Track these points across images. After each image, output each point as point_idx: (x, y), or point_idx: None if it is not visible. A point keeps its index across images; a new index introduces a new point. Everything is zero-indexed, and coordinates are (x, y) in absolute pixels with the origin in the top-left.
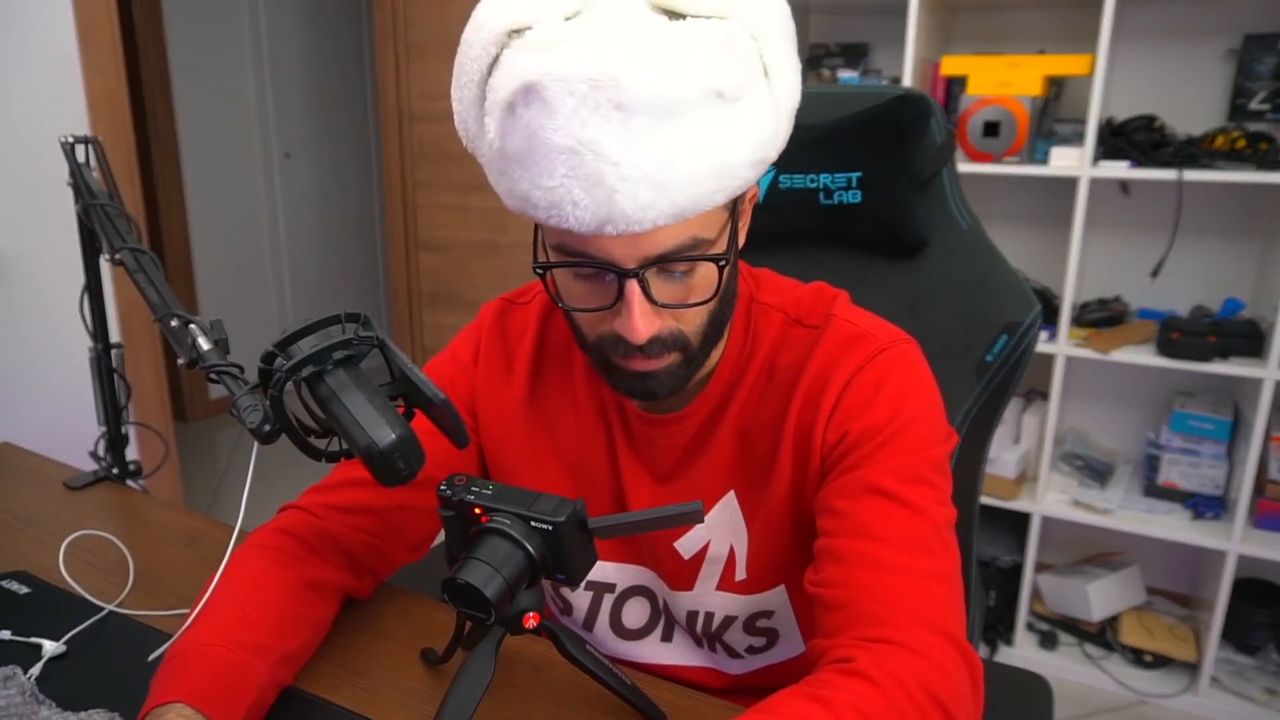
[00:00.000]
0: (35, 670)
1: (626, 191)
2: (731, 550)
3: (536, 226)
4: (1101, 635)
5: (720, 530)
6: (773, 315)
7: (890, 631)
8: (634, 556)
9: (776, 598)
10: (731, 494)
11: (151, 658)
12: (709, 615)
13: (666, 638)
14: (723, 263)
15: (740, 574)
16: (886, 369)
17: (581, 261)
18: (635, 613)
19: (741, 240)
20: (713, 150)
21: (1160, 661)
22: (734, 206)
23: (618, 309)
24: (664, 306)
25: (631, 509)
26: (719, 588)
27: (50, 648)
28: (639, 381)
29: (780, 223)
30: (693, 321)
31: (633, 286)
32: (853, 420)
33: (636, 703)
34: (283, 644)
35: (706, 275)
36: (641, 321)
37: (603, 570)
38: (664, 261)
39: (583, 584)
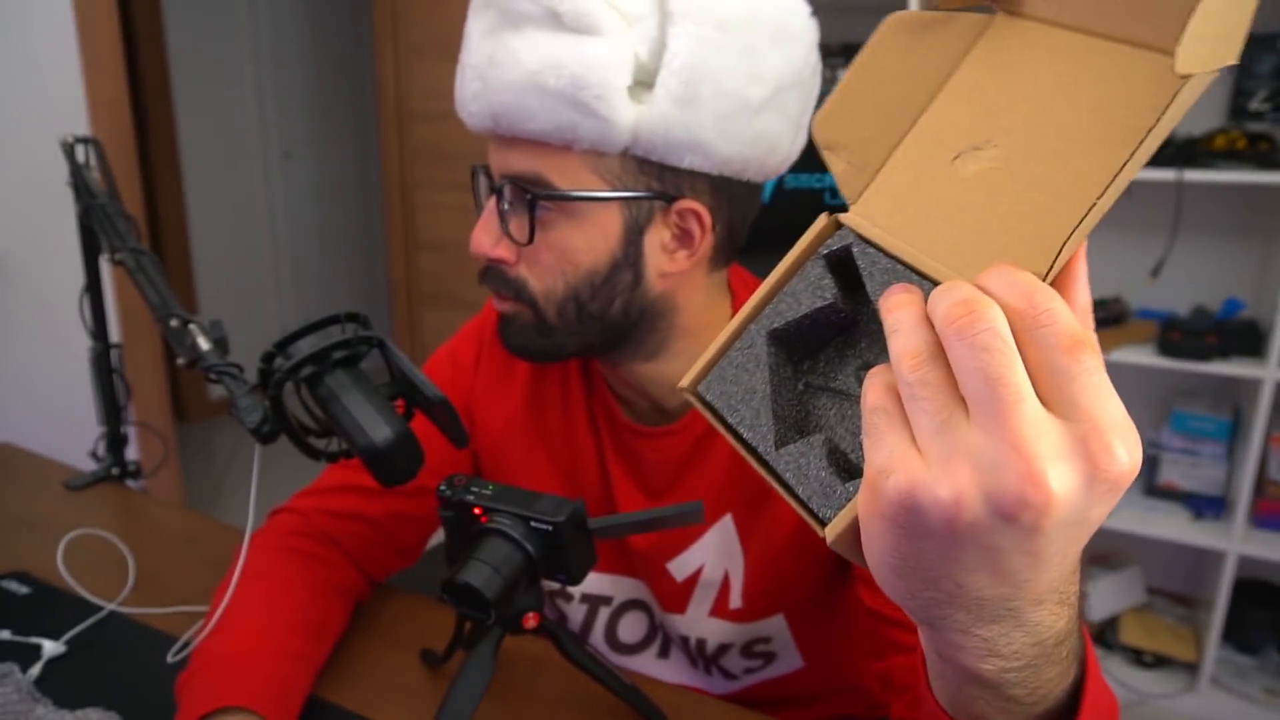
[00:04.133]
0: (35, 670)
1: (466, 79)
2: (726, 576)
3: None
4: (1102, 635)
5: (715, 554)
6: None
7: None
8: (629, 570)
9: (774, 625)
10: (728, 517)
11: (173, 657)
12: (702, 641)
13: (663, 654)
14: (530, 195)
15: (735, 602)
16: None
17: (480, 165)
18: (632, 627)
19: (678, 256)
20: (529, 68)
21: (1160, 661)
22: (652, 174)
23: None
24: (506, 234)
25: None
26: (712, 614)
27: (50, 647)
28: (501, 326)
29: (786, 223)
30: (542, 279)
31: (491, 199)
32: None
33: (636, 703)
34: (319, 650)
35: (563, 235)
36: (480, 230)
37: (599, 583)
38: (513, 183)
39: (579, 596)
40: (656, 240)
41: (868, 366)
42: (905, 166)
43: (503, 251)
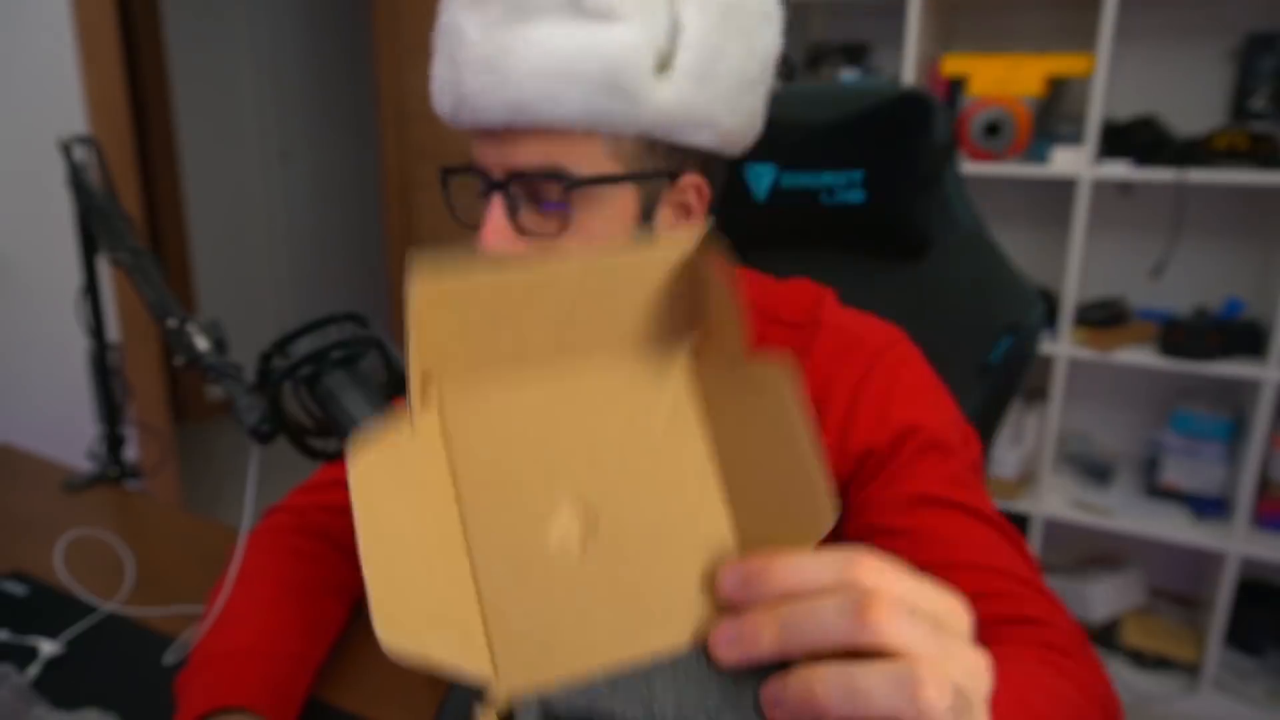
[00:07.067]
0: (33, 670)
1: (470, 73)
2: None
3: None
4: (1103, 636)
5: None
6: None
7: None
8: None
9: None
10: None
11: (170, 658)
12: None
13: None
14: (568, 182)
15: None
16: (893, 375)
17: (462, 168)
18: None
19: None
20: (558, 56)
21: (1162, 663)
22: (658, 153)
23: None
24: (524, 234)
25: None
26: None
27: (48, 648)
28: None
29: (782, 223)
30: None
31: (495, 200)
32: (874, 433)
33: None
34: (317, 650)
35: (586, 223)
36: (492, 231)
37: None
38: (523, 179)
39: None
40: (663, 218)
41: None
42: (508, 594)
43: (520, 249)
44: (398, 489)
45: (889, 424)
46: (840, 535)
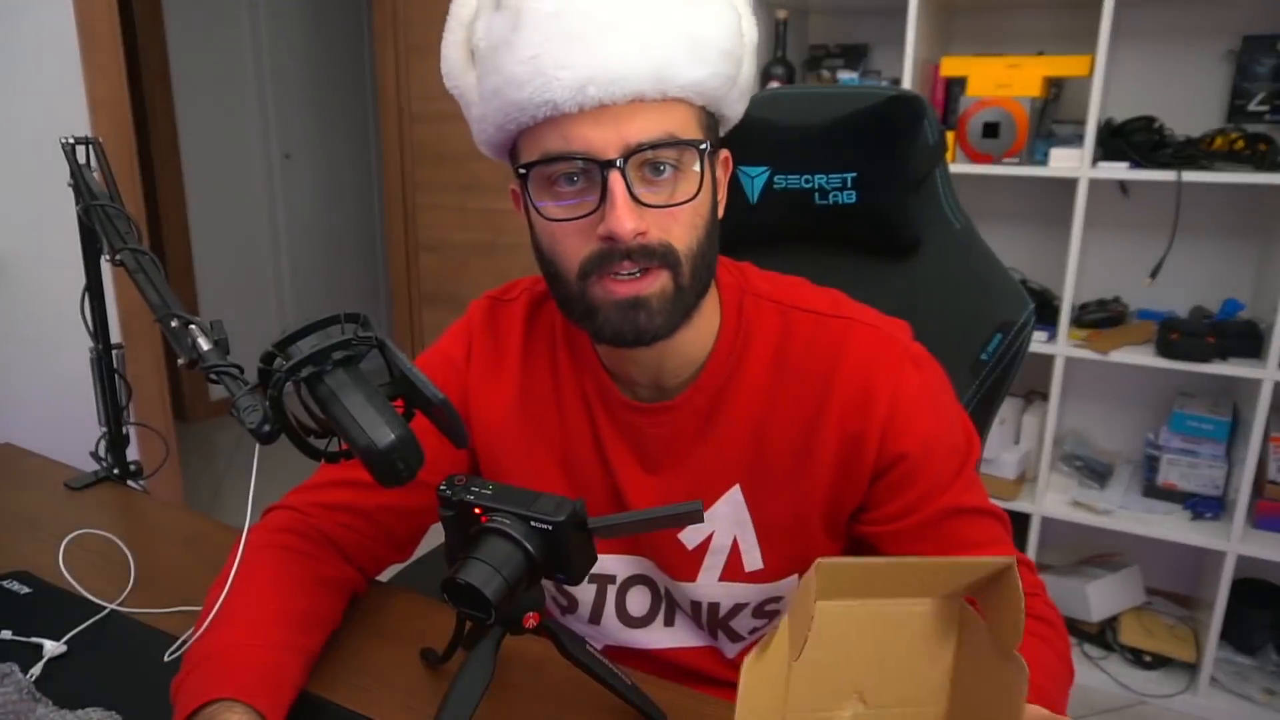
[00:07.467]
0: (36, 670)
1: (607, 44)
2: (735, 542)
3: (518, 169)
4: (1101, 636)
5: (724, 523)
6: (765, 306)
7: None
8: (632, 547)
9: (789, 584)
10: (737, 488)
11: (169, 656)
12: (714, 605)
13: (669, 622)
14: (703, 147)
15: (755, 564)
16: (922, 380)
17: (565, 155)
18: (638, 601)
19: (721, 204)
20: (684, 20)
21: (1160, 662)
22: (711, 125)
23: (602, 214)
24: (649, 206)
25: (627, 500)
26: (723, 578)
27: (51, 647)
28: (628, 313)
29: (775, 223)
30: (682, 237)
31: (615, 178)
32: (909, 439)
33: (636, 702)
34: (308, 640)
35: (690, 180)
36: (624, 211)
37: (602, 562)
38: (643, 150)
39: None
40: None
41: None
42: None
43: (649, 225)
44: (764, 676)
45: (921, 433)
46: (842, 510)
